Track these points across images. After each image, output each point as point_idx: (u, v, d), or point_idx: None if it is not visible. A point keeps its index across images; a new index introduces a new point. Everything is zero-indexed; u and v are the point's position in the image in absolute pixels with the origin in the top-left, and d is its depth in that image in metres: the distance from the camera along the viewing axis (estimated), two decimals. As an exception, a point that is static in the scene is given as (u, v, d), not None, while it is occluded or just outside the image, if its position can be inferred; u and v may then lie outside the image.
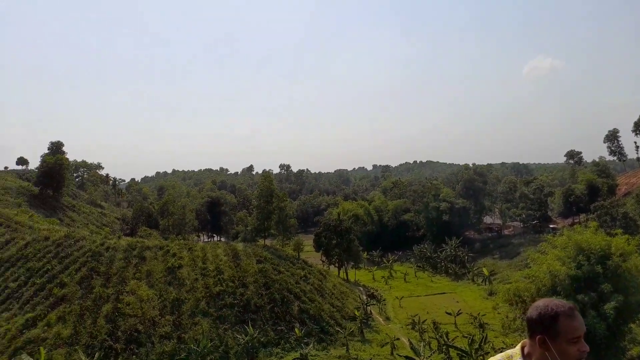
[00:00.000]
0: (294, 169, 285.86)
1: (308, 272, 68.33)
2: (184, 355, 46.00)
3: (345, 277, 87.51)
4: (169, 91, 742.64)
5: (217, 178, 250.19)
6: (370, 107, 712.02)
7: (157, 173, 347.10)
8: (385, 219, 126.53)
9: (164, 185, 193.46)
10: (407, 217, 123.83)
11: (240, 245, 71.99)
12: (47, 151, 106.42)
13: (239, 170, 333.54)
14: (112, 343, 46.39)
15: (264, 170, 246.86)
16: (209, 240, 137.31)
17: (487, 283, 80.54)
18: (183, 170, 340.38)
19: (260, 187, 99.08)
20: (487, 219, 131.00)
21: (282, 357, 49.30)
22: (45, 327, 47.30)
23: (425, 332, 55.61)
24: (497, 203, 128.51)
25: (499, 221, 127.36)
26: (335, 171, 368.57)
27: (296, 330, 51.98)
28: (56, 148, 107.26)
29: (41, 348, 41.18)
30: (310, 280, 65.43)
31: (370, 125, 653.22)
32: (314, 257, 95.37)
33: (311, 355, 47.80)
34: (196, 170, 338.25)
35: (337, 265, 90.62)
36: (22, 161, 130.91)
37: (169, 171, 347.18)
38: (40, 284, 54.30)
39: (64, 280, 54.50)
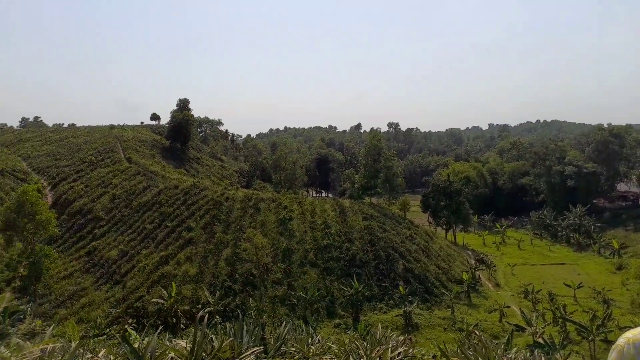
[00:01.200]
0: (403, 128, 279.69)
1: (414, 232, 67.64)
2: (294, 301, 49.15)
3: (453, 240, 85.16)
4: (281, 53, 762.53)
5: (326, 136, 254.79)
6: (488, 62, 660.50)
7: (270, 130, 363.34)
8: (499, 182, 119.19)
9: (277, 141, 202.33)
10: (525, 181, 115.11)
11: (347, 202, 73.28)
12: (175, 108, 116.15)
13: (347, 128, 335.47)
14: (230, 284, 51.11)
15: (371, 129, 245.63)
16: (317, 195, 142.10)
17: (615, 256, 72.70)
18: (294, 128, 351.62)
19: (368, 145, 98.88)
20: (622, 187, 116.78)
21: (385, 312, 50.22)
22: (176, 265, 53.56)
23: (539, 302, 52.34)
24: (636, 169, 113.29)
25: (636, 189, 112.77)
26: (446, 130, 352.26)
27: (400, 288, 52.28)
28: (183, 105, 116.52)
29: (173, 283, 46.80)
30: (416, 240, 64.78)
31: (487, 82, 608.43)
32: (420, 218, 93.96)
33: (415, 314, 47.97)
34: (306, 127, 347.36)
35: (444, 227, 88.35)
36: (155, 117, 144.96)
37: (281, 128, 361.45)
38: (171, 227, 61.25)
39: (190, 225, 60.77)
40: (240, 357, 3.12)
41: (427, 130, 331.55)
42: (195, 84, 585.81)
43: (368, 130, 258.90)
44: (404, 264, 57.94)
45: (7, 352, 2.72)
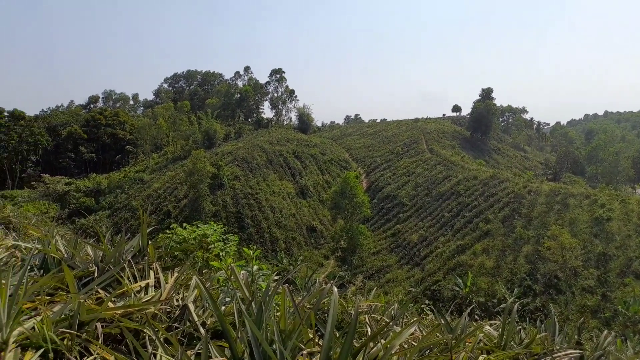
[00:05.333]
0: None
1: None
2: (609, 315, 41.86)
3: None
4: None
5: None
6: None
7: (586, 115, 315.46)
8: None
9: (593, 128, 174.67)
10: None
11: (695, 204, 56.92)
12: (478, 97, 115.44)
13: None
14: (530, 283, 47.61)
15: None
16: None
17: None
18: (618, 112, 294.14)
19: None
20: None
21: None
22: (472, 255, 53.66)
23: None
24: None
25: None
26: None
27: None
28: (486, 94, 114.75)
29: (469, 272, 47.13)
30: None
31: None
32: None
33: None
34: (635, 110, 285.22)
35: None
36: (456, 108, 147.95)
37: (600, 113, 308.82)
38: (468, 217, 61.62)
39: (488, 217, 59.60)
40: (553, 354, 3.04)
41: None
42: (500, 72, 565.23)
43: None
44: None
45: (343, 302, 3.56)
